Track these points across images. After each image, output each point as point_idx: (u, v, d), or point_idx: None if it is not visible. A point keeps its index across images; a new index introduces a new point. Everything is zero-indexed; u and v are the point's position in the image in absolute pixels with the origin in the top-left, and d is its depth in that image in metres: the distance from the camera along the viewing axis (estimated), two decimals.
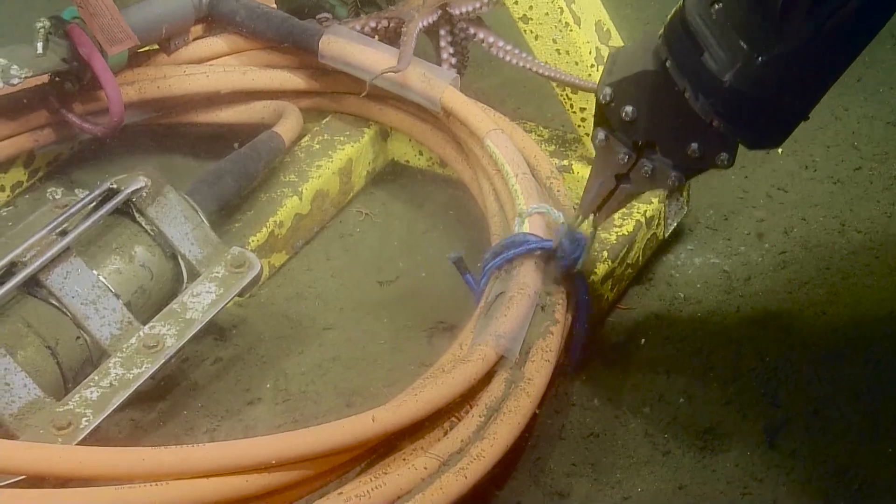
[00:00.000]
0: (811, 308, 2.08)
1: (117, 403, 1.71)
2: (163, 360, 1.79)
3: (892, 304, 2.08)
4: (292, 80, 2.40)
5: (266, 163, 2.23)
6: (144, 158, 2.48)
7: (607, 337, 2.04)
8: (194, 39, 2.43)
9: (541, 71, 2.15)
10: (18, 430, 1.65)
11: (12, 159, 2.37)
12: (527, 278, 1.85)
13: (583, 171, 2.22)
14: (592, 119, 1.81)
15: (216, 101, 2.42)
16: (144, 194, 1.92)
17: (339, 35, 2.29)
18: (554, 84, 2.21)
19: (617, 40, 2.21)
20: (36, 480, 1.49)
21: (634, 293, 2.15)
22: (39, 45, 2.15)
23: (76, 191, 2.43)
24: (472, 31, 2.24)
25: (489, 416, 1.70)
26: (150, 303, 1.91)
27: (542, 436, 1.85)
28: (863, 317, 2.06)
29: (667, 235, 2.23)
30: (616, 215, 2.11)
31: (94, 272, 1.83)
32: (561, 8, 2.11)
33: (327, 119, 2.44)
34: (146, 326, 1.83)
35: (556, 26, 2.13)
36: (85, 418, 1.68)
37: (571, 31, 2.12)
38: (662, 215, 2.19)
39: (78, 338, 1.80)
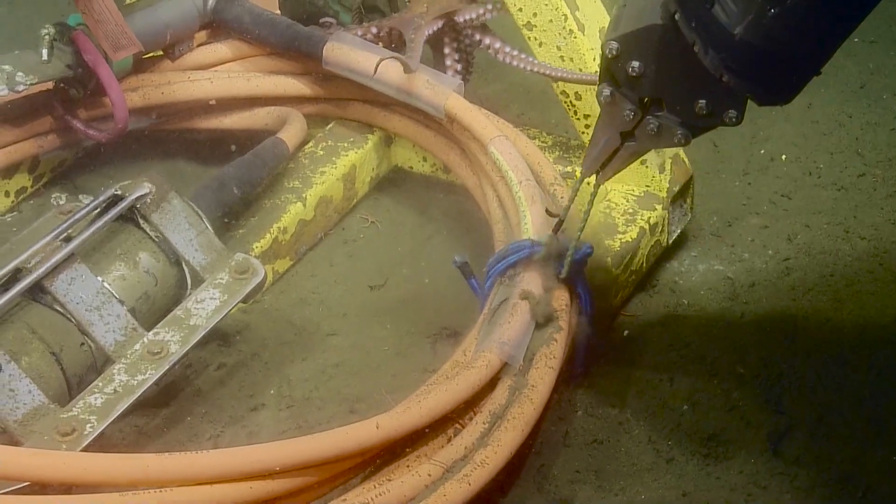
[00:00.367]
0: (815, 315, 2.08)
1: (121, 410, 1.72)
2: (167, 367, 1.79)
3: None
4: (296, 86, 2.40)
5: (270, 169, 2.24)
6: (148, 164, 2.48)
7: (611, 344, 2.04)
8: (198, 45, 2.44)
9: (550, 73, 2.14)
10: (23, 436, 1.65)
11: (17, 165, 2.38)
12: (531, 285, 1.85)
13: (586, 190, 2.22)
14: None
15: (220, 107, 2.43)
16: (149, 200, 1.93)
17: (343, 41, 2.30)
18: (558, 91, 2.21)
19: None
20: (40, 487, 1.48)
21: (638, 300, 2.15)
22: (44, 52, 2.15)
23: (80, 196, 2.43)
24: (477, 37, 2.24)
25: (493, 422, 1.70)
26: (155, 309, 1.92)
27: (546, 442, 1.85)
28: (867, 323, 2.05)
29: (670, 242, 2.23)
30: (620, 222, 2.12)
31: (99, 278, 1.83)
32: (565, 15, 2.12)
33: (331, 125, 2.44)
34: (150, 333, 1.83)
35: (560, 33, 2.13)
36: (89, 424, 1.68)
37: (575, 38, 2.13)
38: (666, 222, 2.19)
39: (82, 344, 1.80)
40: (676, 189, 2.21)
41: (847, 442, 1.82)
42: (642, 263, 2.14)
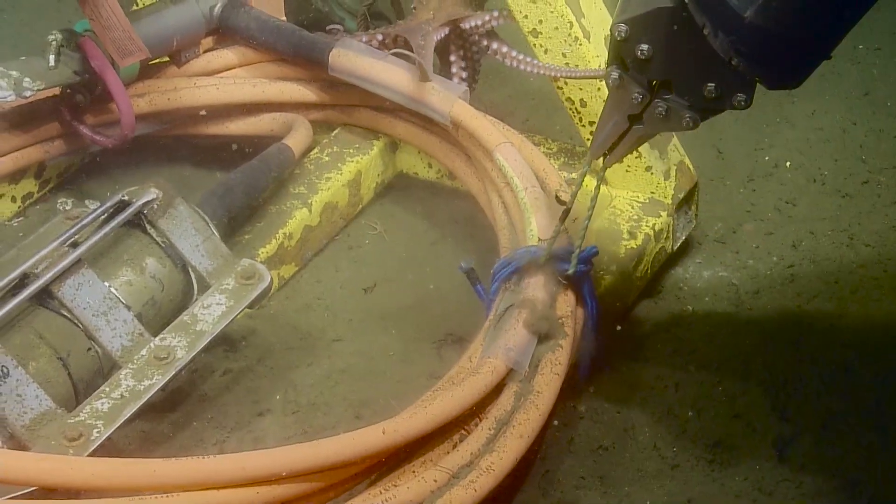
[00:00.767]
0: (820, 321, 2.08)
1: (128, 415, 1.72)
2: (173, 372, 1.80)
3: None
4: (302, 92, 2.41)
5: (276, 175, 2.25)
6: (154, 170, 2.49)
7: (616, 350, 2.04)
8: (205, 52, 2.45)
9: (558, 74, 2.14)
10: (30, 441, 1.66)
11: (24, 170, 2.39)
12: (536, 291, 1.85)
13: (591, 183, 2.22)
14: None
15: (226, 113, 2.44)
16: (156, 206, 1.93)
17: (349, 48, 2.30)
18: (563, 98, 2.21)
19: None
20: (47, 491, 1.49)
21: (643, 306, 2.15)
22: (51, 58, 2.16)
23: (86, 202, 2.44)
24: (485, 43, 2.25)
25: (499, 428, 1.70)
26: (161, 314, 1.92)
27: (551, 448, 1.85)
28: (872, 330, 2.06)
29: (675, 248, 2.24)
30: (625, 228, 2.13)
31: (106, 284, 1.84)
32: (571, 22, 2.12)
33: (336, 131, 2.45)
34: (157, 338, 1.84)
35: (565, 41, 2.14)
36: (96, 430, 1.68)
37: (581, 45, 2.13)
38: (671, 228, 2.19)
39: (89, 349, 1.80)
40: (681, 196, 2.21)
41: (852, 448, 1.82)
42: (647, 270, 2.15)
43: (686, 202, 2.24)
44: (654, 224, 2.15)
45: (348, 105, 2.42)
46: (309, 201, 2.26)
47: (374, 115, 2.39)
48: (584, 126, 2.22)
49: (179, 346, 1.83)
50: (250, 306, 1.95)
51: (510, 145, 2.12)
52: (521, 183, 2.05)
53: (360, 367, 2.04)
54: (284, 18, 2.50)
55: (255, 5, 2.45)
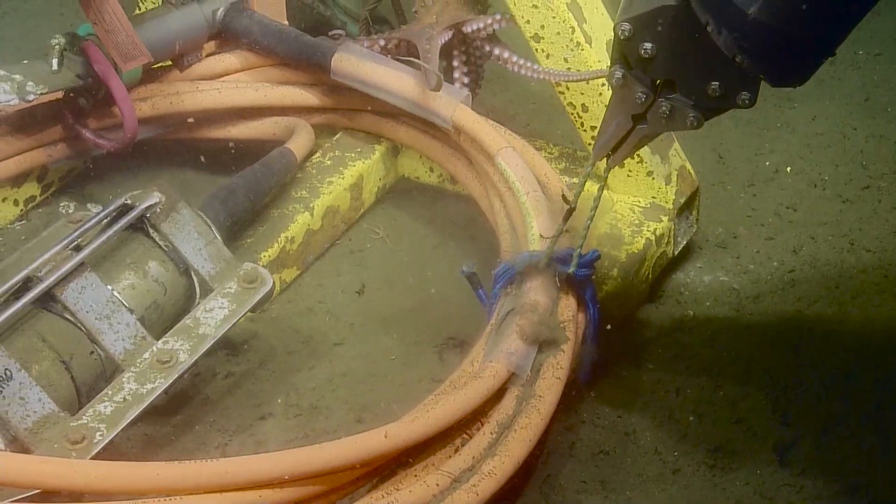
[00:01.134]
0: (820, 326, 2.09)
1: (131, 418, 1.72)
2: (176, 376, 1.80)
3: None
4: (304, 96, 2.41)
5: (278, 179, 2.25)
6: (157, 174, 2.49)
7: (617, 354, 2.04)
8: (207, 56, 2.45)
9: (560, 78, 2.14)
10: (33, 444, 1.66)
11: (26, 174, 2.39)
12: (538, 295, 1.86)
13: (593, 188, 2.23)
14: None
15: (229, 117, 2.44)
16: (158, 210, 1.94)
17: (351, 53, 2.31)
18: (565, 103, 2.21)
19: None
20: (50, 494, 1.49)
21: (644, 311, 2.15)
22: (54, 62, 2.16)
23: (88, 205, 2.45)
24: (487, 48, 2.25)
25: (500, 433, 1.70)
26: (164, 318, 1.93)
27: (553, 453, 1.85)
28: (872, 335, 2.06)
29: (676, 253, 2.24)
30: (626, 233, 2.13)
31: (109, 287, 1.84)
32: (573, 27, 2.13)
33: (338, 135, 2.45)
34: (159, 341, 1.84)
35: (567, 45, 2.14)
36: (99, 433, 1.69)
37: (583, 50, 2.14)
38: (672, 233, 2.20)
39: (92, 352, 1.81)
40: (682, 201, 2.22)
41: (853, 452, 1.83)
42: (648, 274, 2.15)
43: (687, 207, 2.24)
44: (656, 229, 2.15)
45: (350, 109, 2.43)
46: (311, 205, 2.27)
47: (376, 119, 2.40)
48: (585, 131, 2.23)
49: (182, 349, 1.84)
50: (252, 310, 1.96)
51: (512, 150, 2.13)
52: (523, 187, 2.06)
53: (361, 370, 2.04)
54: (286, 22, 2.50)
55: (258, 9, 2.46)
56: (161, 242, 1.95)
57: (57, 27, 2.76)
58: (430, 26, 2.21)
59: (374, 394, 1.98)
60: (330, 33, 2.43)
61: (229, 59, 2.45)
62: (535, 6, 2.13)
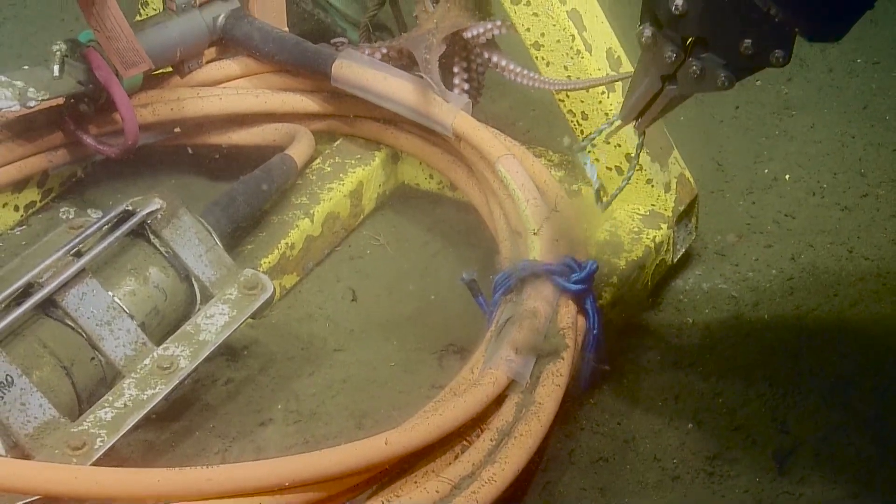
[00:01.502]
0: (819, 334, 2.09)
1: (131, 424, 1.73)
2: (176, 382, 1.80)
3: None
4: (304, 103, 2.42)
5: (278, 185, 2.25)
6: (157, 180, 2.50)
7: (616, 361, 2.05)
8: (208, 62, 2.45)
9: (559, 87, 2.14)
10: (34, 450, 1.66)
11: (27, 180, 2.39)
12: (537, 303, 1.86)
13: (591, 195, 2.24)
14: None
15: (229, 124, 2.44)
16: (159, 216, 1.94)
17: (351, 59, 2.31)
18: (564, 110, 2.22)
19: (628, 67, 2.23)
20: (51, 501, 1.49)
21: (643, 318, 2.16)
22: (56, 68, 2.17)
23: (89, 211, 2.45)
24: (486, 55, 2.25)
25: (500, 439, 1.70)
26: (164, 324, 1.93)
27: (552, 460, 1.86)
28: (871, 343, 2.07)
29: (675, 261, 2.25)
30: (626, 240, 2.14)
31: (110, 293, 1.85)
32: (573, 35, 2.14)
33: (338, 142, 2.46)
34: (160, 347, 1.85)
35: (567, 53, 2.15)
36: (99, 439, 1.69)
37: (583, 58, 2.14)
38: (671, 241, 2.20)
39: (92, 358, 1.81)
40: (682, 208, 2.23)
41: (852, 461, 1.83)
42: (647, 282, 2.16)
43: (686, 214, 2.25)
44: (655, 236, 2.16)
45: (350, 116, 2.43)
46: (311, 212, 2.27)
47: (376, 126, 2.40)
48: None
49: (182, 355, 1.84)
50: (253, 316, 1.96)
51: (512, 157, 2.13)
52: (523, 194, 2.06)
53: (361, 376, 2.05)
54: (287, 29, 2.51)
55: (258, 16, 2.46)
56: (162, 248, 1.95)
57: (58, 33, 2.77)
58: (429, 32, 2.21)
59: (373, 400, 1.99)
60: (332, 41, 2.44)
61: (230, 66, 2.45)
62: (535, 14, 2.13)
